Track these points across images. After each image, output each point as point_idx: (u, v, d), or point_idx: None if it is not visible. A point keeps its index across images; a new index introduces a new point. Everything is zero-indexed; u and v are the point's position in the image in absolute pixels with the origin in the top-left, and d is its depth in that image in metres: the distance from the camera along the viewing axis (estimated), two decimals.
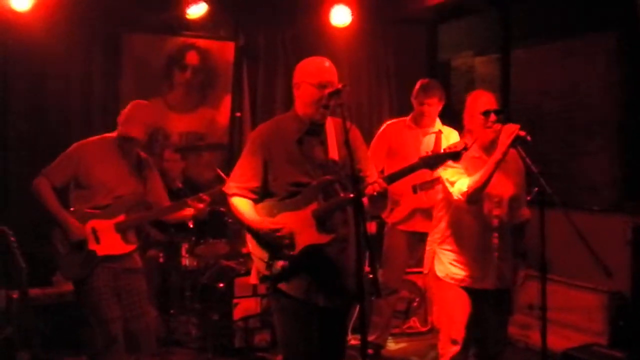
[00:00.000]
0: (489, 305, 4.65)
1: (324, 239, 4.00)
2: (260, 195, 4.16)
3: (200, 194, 4.92)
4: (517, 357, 6.03)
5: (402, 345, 6.67)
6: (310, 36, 7.83)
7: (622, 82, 7.70)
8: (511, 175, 4.57)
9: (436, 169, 4.14)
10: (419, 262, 6.53)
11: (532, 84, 8.70)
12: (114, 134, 4.96)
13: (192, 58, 7.48)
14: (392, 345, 6.60)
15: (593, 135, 8.05)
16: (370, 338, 6.10)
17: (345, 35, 7.77)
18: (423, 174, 5.31)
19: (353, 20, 7.51)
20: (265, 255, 4.06)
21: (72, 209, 4.83)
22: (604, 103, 7.90)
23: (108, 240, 4.81)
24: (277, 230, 3.96)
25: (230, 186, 4.20)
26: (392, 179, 3.99)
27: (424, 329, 6.92)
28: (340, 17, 7.45)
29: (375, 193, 3.90)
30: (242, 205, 4.13)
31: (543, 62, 8.71)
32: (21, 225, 5.62)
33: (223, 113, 7.63)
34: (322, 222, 4.01)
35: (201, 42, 7.54)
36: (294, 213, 4.02)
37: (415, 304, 6.91)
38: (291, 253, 3.98)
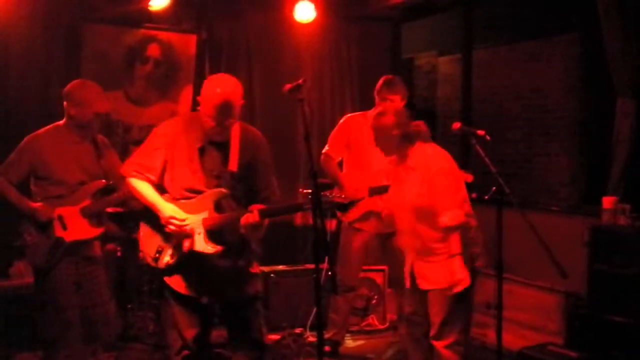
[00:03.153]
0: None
1: (210, 249, 4.08)
2: (156, 187, 4.21)
3: None
4: (473, 356, 6.05)
5: (360, 342, 6.68)
6: (274, 31, 7.78)
7: (583, 85, 7.80)
8: (415, 184, 4.54)
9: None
10: (377, 261, 6.56)
11: (494, 84, 8.77)
12: (63, 121, 4.94)
13: (153, 51, 7.37)
14: (350, 343, 6.60)
15: (553, 137, 8.15)
16: (328, 335, 6.08)
17: (308, 30, 7.74)
18: (380, 179, 5.36)
19: (317, 16, 7.47)
20: (152, 250, 4.17)
21: (38, 198, 4.82)
22: (565, 105, 8.00)
23: (75, 225, 4.82)
24: (178, 219, 4.02)
25: (128, 169, 4.24)
26: (268, 214, 4.08)
27: (382, 327, 6.93)
28: (304, 12, 7.40)
29: (247, 223, 4.02)
30: (145, 187, 4.17)
31: (505, 63, 8.79)
32: None
33: (184, 106, 7.55)
34: (211, 232, 4.08)
35: (163, 35, 7.43)
36: (187, 217, 4.08)
37: (374, 301, 6.92)
38: (176, 253, 4.11)
